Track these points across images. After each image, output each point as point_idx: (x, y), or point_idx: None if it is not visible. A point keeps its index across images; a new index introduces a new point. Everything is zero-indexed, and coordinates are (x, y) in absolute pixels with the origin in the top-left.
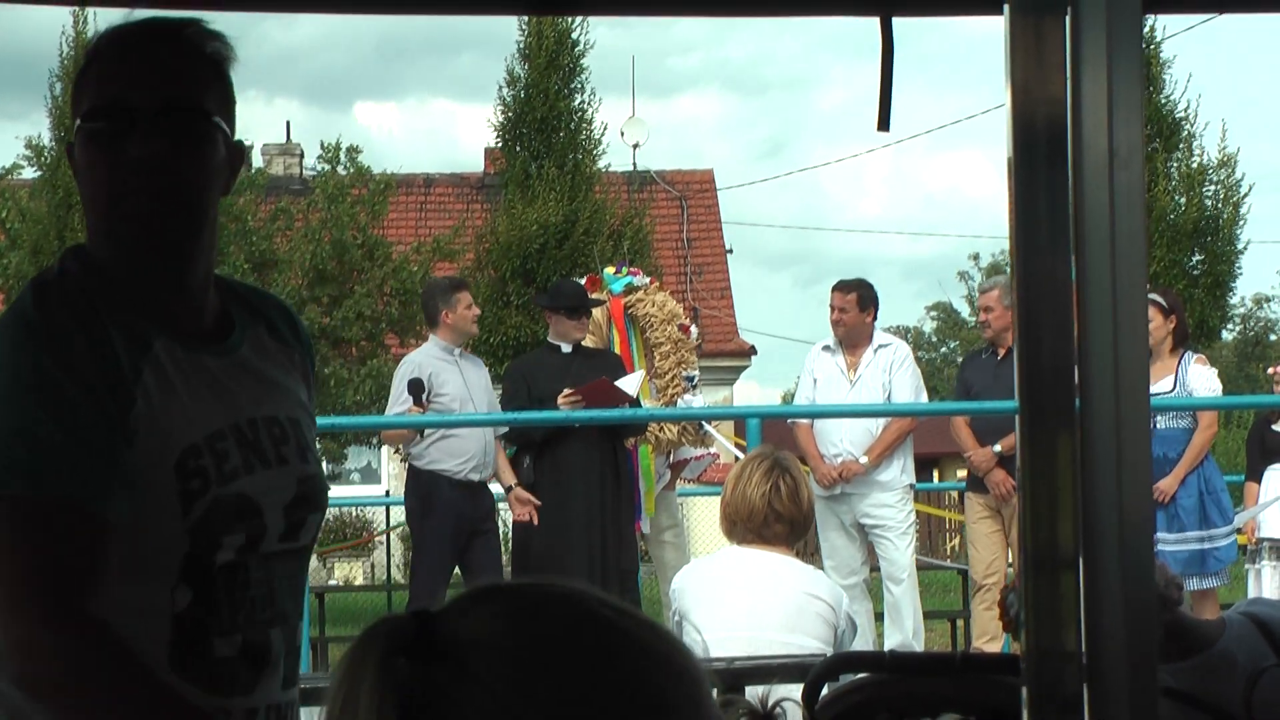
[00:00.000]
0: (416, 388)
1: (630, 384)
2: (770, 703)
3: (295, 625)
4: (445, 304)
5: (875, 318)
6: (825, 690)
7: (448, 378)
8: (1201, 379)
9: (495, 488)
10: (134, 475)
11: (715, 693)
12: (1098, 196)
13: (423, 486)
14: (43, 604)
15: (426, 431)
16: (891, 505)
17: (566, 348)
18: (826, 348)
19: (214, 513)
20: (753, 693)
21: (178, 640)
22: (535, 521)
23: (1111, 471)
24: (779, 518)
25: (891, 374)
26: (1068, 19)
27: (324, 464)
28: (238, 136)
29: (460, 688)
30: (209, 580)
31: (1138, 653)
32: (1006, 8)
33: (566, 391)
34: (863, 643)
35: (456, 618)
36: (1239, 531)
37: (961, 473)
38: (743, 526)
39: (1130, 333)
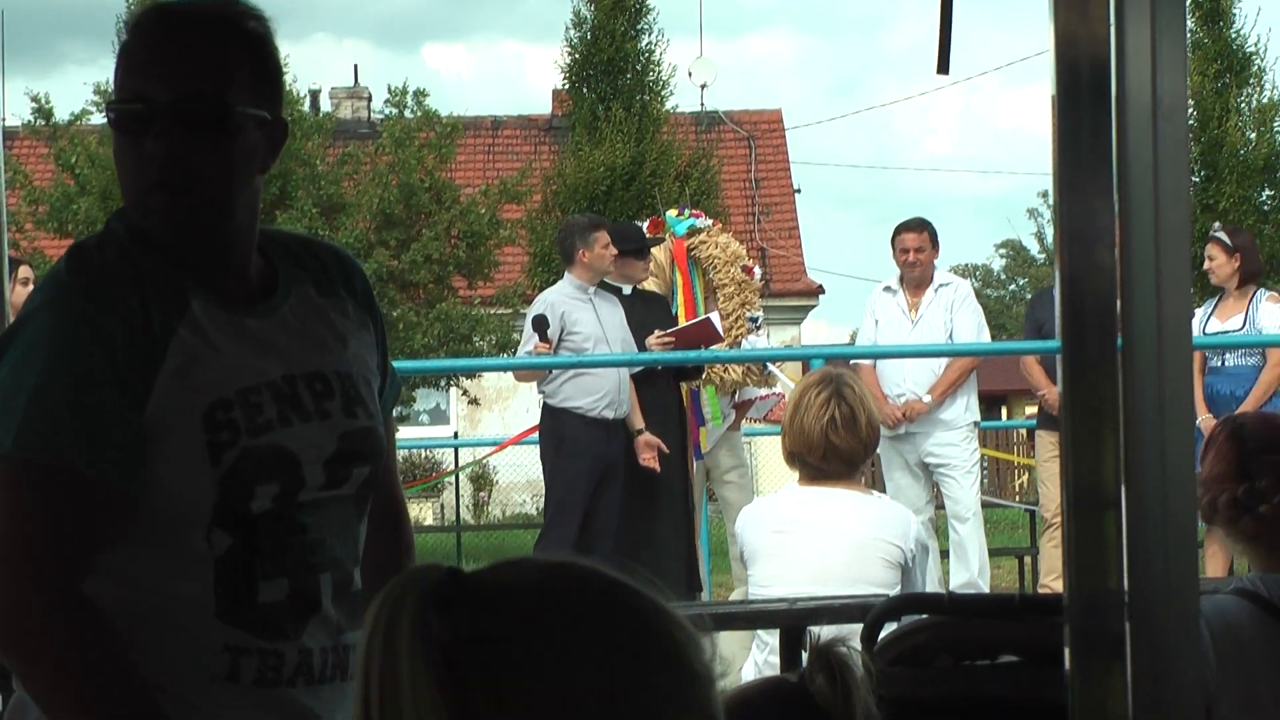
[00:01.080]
0: (541, 324)
1: (718, 321)
2: (830, 643)
3: (350, 570)
4: (583, 243)
5: (937, 256)
6: (885, 631)
7: (580, 316)
8: (1272, 317)
9: None
10: (159, 432)
11: (777, 636)
12: (1141, 147)
13: (556, 424)
14: (31, 568)
15: (560, 369)
16: (956, 444)
17: (626, 289)
18: (888, 288)
19: (244, 463)
20: (815, 634)
21: (221, 584)
22: (658, 468)
23: (1154, 411)
24: (836, 452)
25: (953, 312)
26: None
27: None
28: (310, 85)
29: (503, 629)
30: (247, 527)
31: (1180, 591)
32: None
33: (659, 333)
34: (929, 582)
35: (489, 573)
36: None
37: (1030, 409)
38: (800, 460)
39: (1173, 275)
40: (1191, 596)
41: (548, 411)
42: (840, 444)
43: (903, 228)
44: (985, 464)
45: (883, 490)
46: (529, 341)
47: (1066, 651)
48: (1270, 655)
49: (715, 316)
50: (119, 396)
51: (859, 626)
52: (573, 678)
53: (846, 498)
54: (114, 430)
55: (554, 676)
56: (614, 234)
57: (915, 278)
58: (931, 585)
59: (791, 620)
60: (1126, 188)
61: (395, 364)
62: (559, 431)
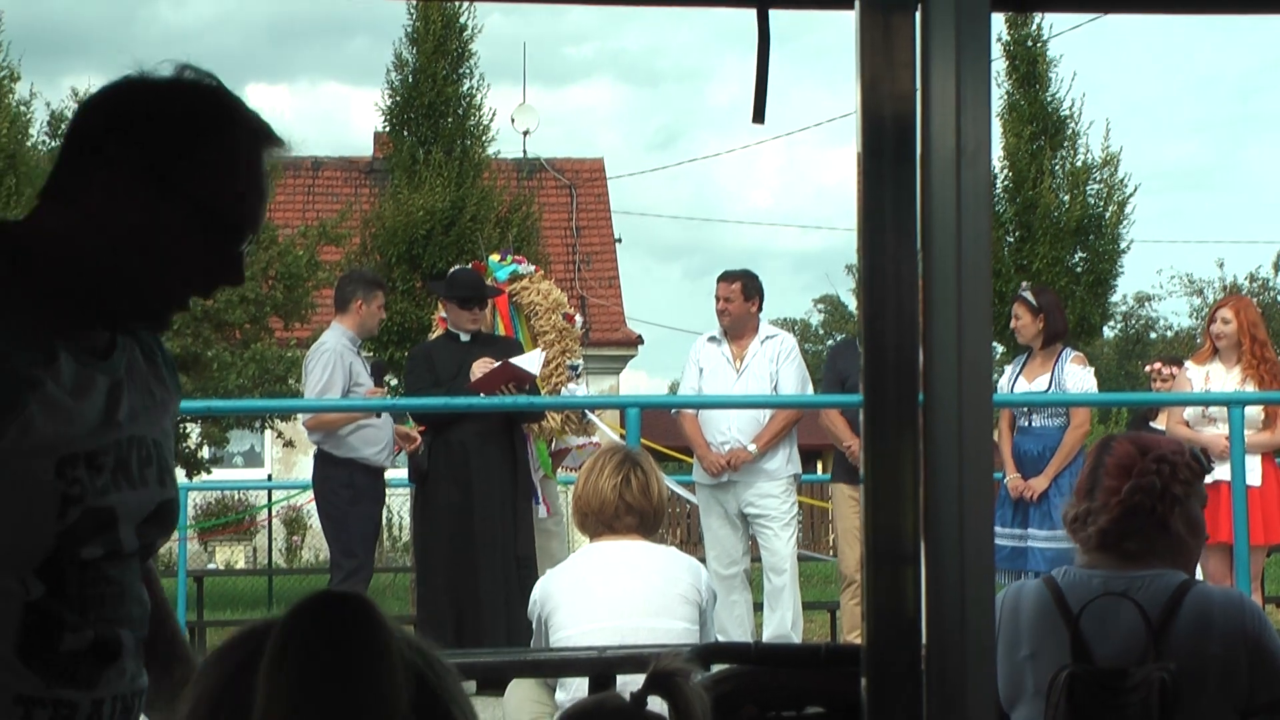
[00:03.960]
0: (381, 370)
1: (530, 362)
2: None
3: (143, 628)
4: (366, 296)
5: (760, 308)
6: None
7: (360, 368)
8: (1076, 378)
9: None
10: (12, 473)
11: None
12: (945, 192)
13: (343, 474)
14: None
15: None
16: (775, 495)
17: (465, 336)
18: (712, 338)
19: (83, 522)
20: (624, 683)
21: (28, 627)
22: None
23: (953, 466)
24: (630, 509)
25: (778, 364)
26: (918, 15)
27: (206, 448)
28: None
29: None
30: (63, 577)
31: (976, 647)
32: (857, 3)
33: (485, 360)
34: (742, 633)
35: None
36: None
37: None
38: (595, 519)
39: (974, 327)
40: (987, 652)
41: (331, 462)
42: (634, 502)
43: (719, 278)
44: (800, 515)
45: (699, 540)
46: (333, 386)
47: (864, 705)
48: (1035, 621)
49: (534, 356)
50: None
51: None
52: None
53: (640, 545)
54: None
55: None
56: (447, 280)
57: (726, 326)
58: (743, 636)
59: (600, 668)
60: (929, 231)
61: (211, 404)
62: (348, 480)
